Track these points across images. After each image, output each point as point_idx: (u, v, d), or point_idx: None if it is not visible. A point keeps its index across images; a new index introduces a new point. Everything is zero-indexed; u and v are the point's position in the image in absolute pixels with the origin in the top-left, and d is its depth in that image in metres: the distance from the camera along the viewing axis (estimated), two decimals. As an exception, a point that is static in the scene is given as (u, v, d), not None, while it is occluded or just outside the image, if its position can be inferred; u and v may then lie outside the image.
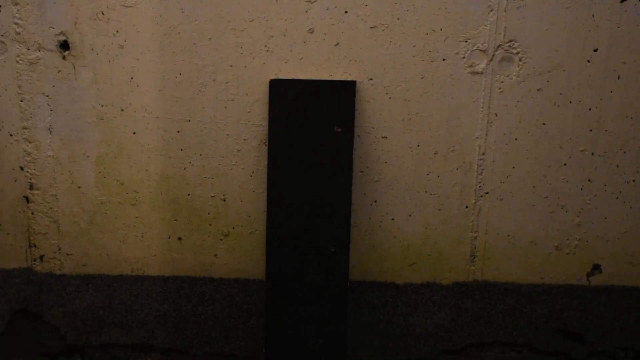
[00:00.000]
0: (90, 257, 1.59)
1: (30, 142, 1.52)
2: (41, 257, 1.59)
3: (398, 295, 1.60)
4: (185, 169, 1.52)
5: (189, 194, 1.54)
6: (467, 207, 1.53)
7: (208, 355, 1.65)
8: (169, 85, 1.47)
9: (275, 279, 1.48)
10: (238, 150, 1.51)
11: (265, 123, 1.47)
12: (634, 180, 1.52)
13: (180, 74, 1.47)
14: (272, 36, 1.44)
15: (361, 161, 1.50)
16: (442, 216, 1.53)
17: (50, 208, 1.56)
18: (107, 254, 1.59)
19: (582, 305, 1.58)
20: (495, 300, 1.60)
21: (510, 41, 1.44)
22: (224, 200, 1.54)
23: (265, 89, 1.46)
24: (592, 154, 1.50)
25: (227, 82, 1.47)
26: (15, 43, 1.46)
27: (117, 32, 1.45)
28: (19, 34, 1.45)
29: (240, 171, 1.52)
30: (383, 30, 1.43)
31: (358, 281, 1.58)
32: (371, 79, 1.46)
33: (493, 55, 1.45)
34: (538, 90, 1.46)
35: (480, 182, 1.52)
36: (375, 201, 1.53)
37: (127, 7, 1.43)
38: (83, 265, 1.60)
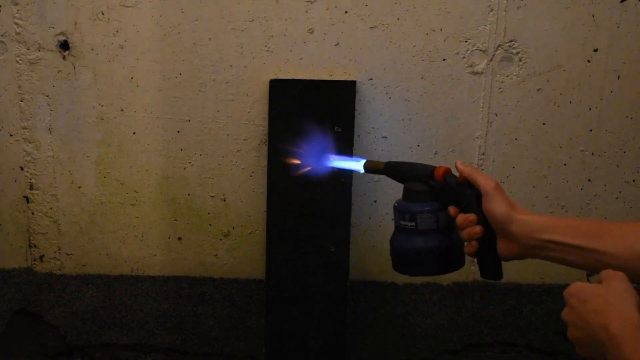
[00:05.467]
0: (90, 257, 1.59)
1: (30, 142, 1.52)
2: (41, 257, 1.59)
3: (398, 295, 1.59)
4: (185, 169, 1.52)
5: (189, 194, 1.54)
6: (467, 207, 1.53)
7: (208, 355, 1.65)
8: (169, 85, 1.47)
9: (275, 279, 1.48)
10: (238, 150, 1.51)
11: (265, 123, 1.47)
12: (634, 180, 1.52)
13: (180, 74, 1.47)
14: (272, 36, 1.44)
15: (361, 161, 1.50)
16: (442, 216, 1.53)
17: (50, 208, 1.56)
18: (107, 254, 1.59)
19: (582, 305, 1.58)
20: (495, 300, 1.60)
21: (510, 41, 1.44)
22: (224, 200, 1.54)
23: (265, 89, 1.46)
24: (592, 154, 1.50)
25: (227, 82, 1.47)
26: (15, 43, 1.46)
27: (117, 32, 1.45)
28: (19, 34, 1.45)
29: (240, 171, 1.52)
30: (383, 30, 1.43)
31: (358, 281, 1.58)
32: (371, 79, 1.46)
33: (493, 55, 1.45)
34: (538, 90, 1.46)
35: (480, 182, 1.52)
36: (375, 201, 1.53)
37: (127, 7, 1.43)
38: (83, 265, 1.60)
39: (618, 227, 0.76)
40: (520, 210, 0.82)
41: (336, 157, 1.06)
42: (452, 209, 0.86)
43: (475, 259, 0.87)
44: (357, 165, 0.99)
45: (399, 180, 0.93)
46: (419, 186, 0.89)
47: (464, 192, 0.85)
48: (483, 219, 0.83)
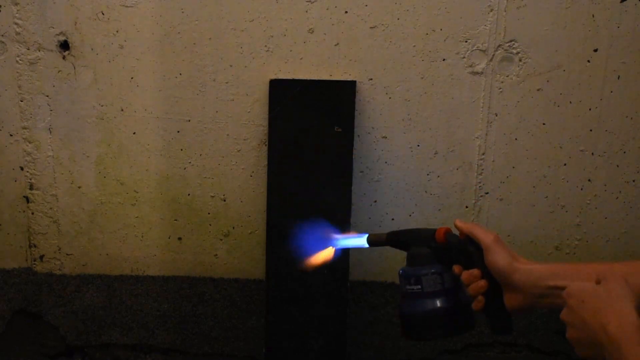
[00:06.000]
0: (90, 257, 1.59)
1: (30, 142, 1.52)
2: (41, 257, 1.59)
3: (398, 295, 1.59)
4: (185, 169, 1.52)
5: (189, 194, 1.54)
6: (467, 207, 1.53)
7: (208, 355, 1.65)
8: (169, 85, 1.47)
9: (275, 279, 1.48)
10: (238, 150, 1.51)
11: (265, 123, 1.47)
12: (634, 180, 1.52)
13: (180, 74, 1.47)
14: (272, 36, 1.44)
15: (361, 161, 1.50)
16: (442, 216, 1.53)
17: (50, 208, 1.56)
18: (107, 254, 1.59)
19: (582, 305, 1.58)
20: (495, 300, 1.60)
21: (510, 41, 1.44)
22: (224, 200, 1.54)
23: (265, 89, 1.46)
24: (592, 154, 1.50)
25: (227, 82, 1.47)
26: (15, 43, 1.46)
27: (117, 32, 1.45)
28: (19, 34, 1.45)
29: (241, 171, 1.52)
30: (383, 30, 1.43)
31: (358, 281, 1.58)
32: (371, 79, 1.46)
33: (493, 55, 1.45)
34: (538, 90, 1.46)
35: (480, 182, 1.52)
36: (375, 201, 1.53)
37: (127, 7, 1.43)
38: (83, 265, 1.60)
39: (624, 267, 0.76)
40: (522, 261, 0.82)
41: (338, 236, 1.06)
42: (456, 268, 0.87)
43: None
44: (360, 241, 0.99)
45: (402, 248, 0.93)
46: (422, 250, 0.89)
47: (465, 249, 0.86)
48: (487, 273, 0.84)
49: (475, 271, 0.84)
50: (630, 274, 0.73)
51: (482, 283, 0.84)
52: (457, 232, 0.89)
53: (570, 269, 0.79)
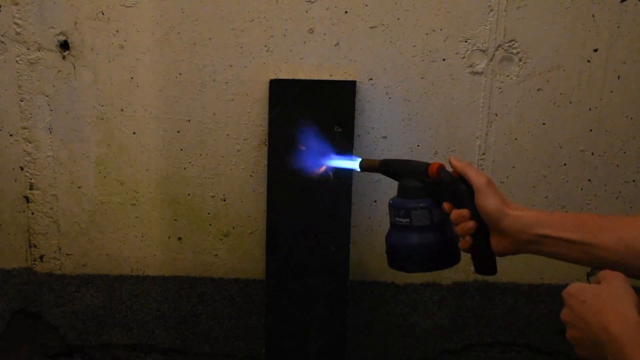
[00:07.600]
0: (90, 257, 1.59)
1: (30, 142, 1.52)
2: (41, 257, 1.59)
3: (398, 295, 1.60)
4: (185, 169, 1.52)
5: (189, 194, 1.54)
6: (467, 207, 1.53)
7: (208, 355, 1.65)
8: (169, 85, 1.47)
9: (275, 279, 1.48)
10: (238, 150, 1.51)
11: (265, 123, 1.47)
12: (634, 180, 1.52)
13: (180, 74, 1.47)
14: (272, 36, 1.44)
15: (361, 161, 1.50)
16: (442, 216, 1.53)
17: (50, 208, 1.56)
18: (107, 254, 1.59)
19: (582, 305, 1.58)
20: (495, 300, 1.60)
21: (510, 41, 1.44)
22: (224, 200, 1.54)
23: (265, 89, 1.46)
24: (592, 154, 1.50)
25: (227, 82, 1.47)
26: (15, 43, 1.46)
27: (117, 32, 1.45)
28: (19, 34, 1.45)
29: (240, 171, 1.52)
30: (383, 30, 1.43)
31: (358, 281, 1.58)
32: (371, 79, 1.46)
33: (493, 55, 1.45)
34: (538, 90, 1.46)
35: (480, 182, 1.52)
36: (375, 201, 1.53)
37: (127, 7, 1.43)
38: (83, 265, 1.60)
39: (611, 220, 0.76)
40: (513, 206, 0.82)
41: (333, 156, 1.08)
42: (446, 205, 0.87)
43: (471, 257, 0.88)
44: (353, 163, 1.00)
45: (394, 178, 0.94)
46: (414, 183, 0.90)
47: (457, 188, 0.86)
48: (476, 215, 0.84)
49: (464, 211, 0.84)
50: (622, 227, 0.73)
51: (471, 224, 0.84)
52: (450, 170, 0.89)
53: (560, 219, 0.79)
